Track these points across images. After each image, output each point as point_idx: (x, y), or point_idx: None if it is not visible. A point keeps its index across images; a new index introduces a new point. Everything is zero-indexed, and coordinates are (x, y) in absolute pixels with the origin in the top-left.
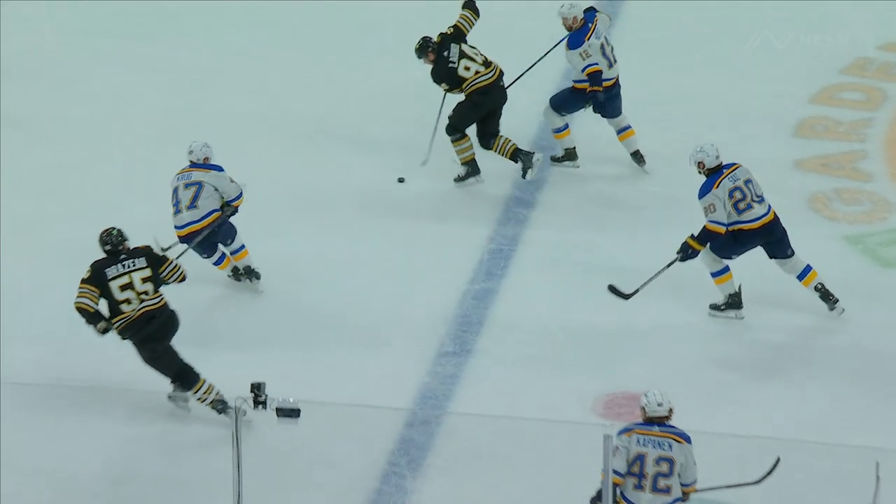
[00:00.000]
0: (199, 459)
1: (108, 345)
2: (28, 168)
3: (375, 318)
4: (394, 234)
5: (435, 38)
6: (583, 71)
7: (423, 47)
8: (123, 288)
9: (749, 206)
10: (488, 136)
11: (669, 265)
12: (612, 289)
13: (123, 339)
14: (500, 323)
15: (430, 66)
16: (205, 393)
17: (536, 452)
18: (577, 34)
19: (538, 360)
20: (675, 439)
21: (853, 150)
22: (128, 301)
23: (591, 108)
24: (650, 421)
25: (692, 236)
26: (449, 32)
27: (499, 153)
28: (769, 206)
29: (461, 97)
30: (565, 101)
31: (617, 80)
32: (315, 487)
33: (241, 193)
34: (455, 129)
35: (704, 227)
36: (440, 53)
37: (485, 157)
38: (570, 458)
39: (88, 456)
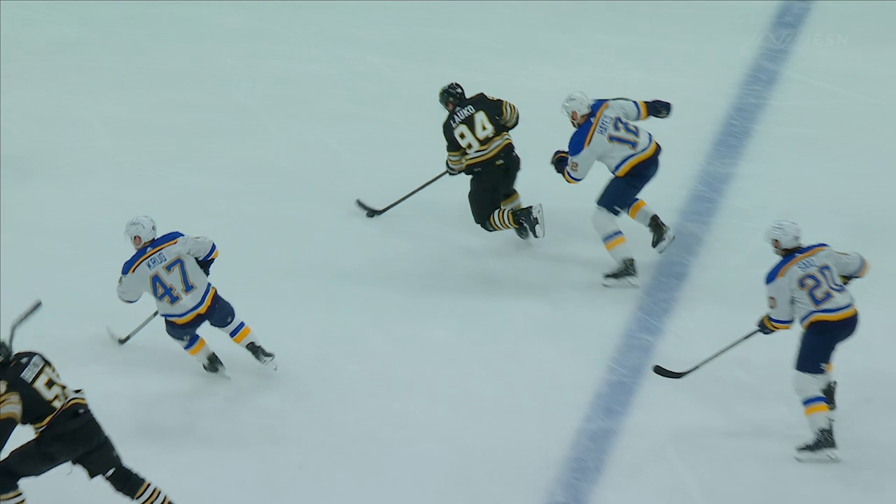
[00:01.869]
0: None
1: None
2: (76, 280)
3: (471, 460)
4: (494, 359)
5: (464, 93)
6: (566, 175)
7: (446, 95)
8: (49, 385)
9: (828, 296)
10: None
11: (748, 337)
12: (660, 370)
13: (40, 429)
14: (622, 470)
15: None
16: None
17: None
18: (577, 136)
19: None
20: None
21: None
22: (57, 398)
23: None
24: None
25: (769, 316)
26: (476, 96)
27: (500, 225)
28: (852, 299)
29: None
30: (616, 194)
31: (654, 154)
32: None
33: (213, 246)
34: (482, 221)
35: (769, 318)
36: (455, 108)
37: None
38: None
39: None
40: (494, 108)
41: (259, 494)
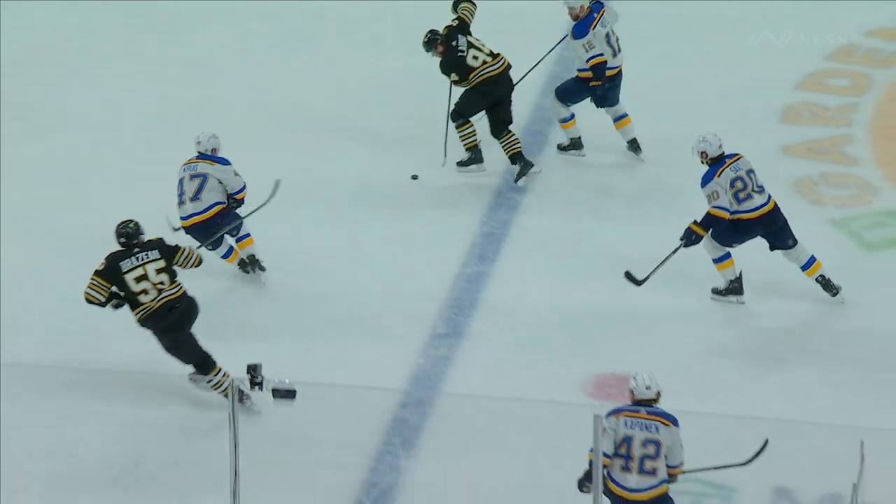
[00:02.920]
0: (200, 442)
1: (104, 329)
2: (28, 157)
3: (370, 302)
4: (387, 219)
5: (441, 31)
6: (587, 62)
7: (433, 41)
8: (139, 280)
9: (749, 196)
10: (500, 126)
11: (675, 251)
12: (628, 275)
13: (144, 328)
14: (492, 306)
15: (437, 59)
16: (220, 379)
17: (527, 433)
18: (582, 24)
19: (529, 343)
20: (662, 422)
21: (839, 135)
22: (145, 292)
23: (590, 100)
24: (638, 403)
25: (695, 222)
26: (454, 24)
27: (503, 147)
28: (769, 196)
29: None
30: (570, 91)
31: (620, 69)
32: (311, 466)
33: (243, 187)
34: (459, 115)
35: (708, 212)
36: (449, 44)
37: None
38: (561, 438)
39: (91, 438)
40: (465, 28)
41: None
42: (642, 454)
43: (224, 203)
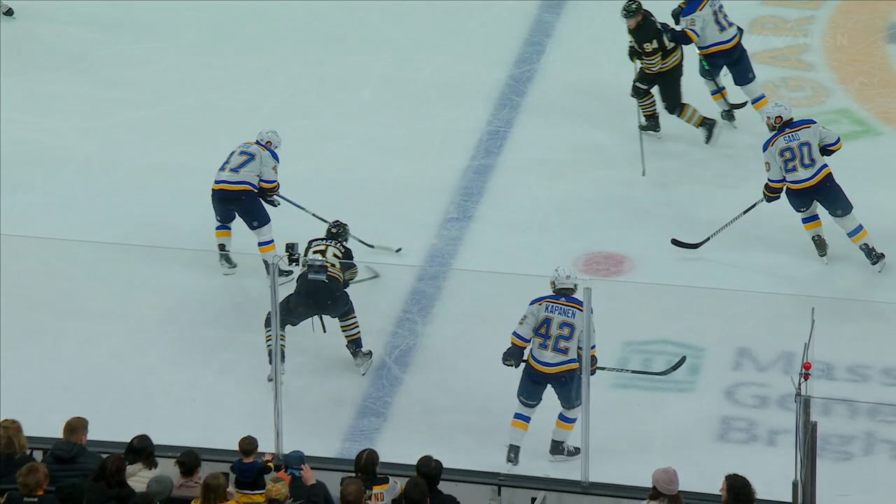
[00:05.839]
0: (244, 308)
1: (164, 214)
2: (96, 59)
3: (388, 187)
4: (405, 119)
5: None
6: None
7: (638, 9)
8: (315, 252)
9: (793, 169)
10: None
11: (752, 207)
12: (676, 242)
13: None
14: (496, 193)
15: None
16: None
17: (526, 302)
18: (692, 4)
19: (529, 225)
20: (578, 308)
21: (798, 44)
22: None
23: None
24: (559, 293)
25: (768, 178)
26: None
27: (686, 121)
28: (818, 170)
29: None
30: (708, 69)
31: (737, 43)
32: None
33: (273, 181)
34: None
35: (768, 180)
36: (647, 16)
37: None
38: None
39: (153, 304)
40: None
41: None
42: (558, 335)
43: (253, 188)
